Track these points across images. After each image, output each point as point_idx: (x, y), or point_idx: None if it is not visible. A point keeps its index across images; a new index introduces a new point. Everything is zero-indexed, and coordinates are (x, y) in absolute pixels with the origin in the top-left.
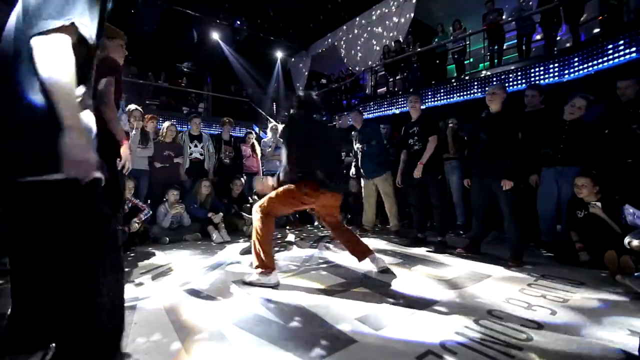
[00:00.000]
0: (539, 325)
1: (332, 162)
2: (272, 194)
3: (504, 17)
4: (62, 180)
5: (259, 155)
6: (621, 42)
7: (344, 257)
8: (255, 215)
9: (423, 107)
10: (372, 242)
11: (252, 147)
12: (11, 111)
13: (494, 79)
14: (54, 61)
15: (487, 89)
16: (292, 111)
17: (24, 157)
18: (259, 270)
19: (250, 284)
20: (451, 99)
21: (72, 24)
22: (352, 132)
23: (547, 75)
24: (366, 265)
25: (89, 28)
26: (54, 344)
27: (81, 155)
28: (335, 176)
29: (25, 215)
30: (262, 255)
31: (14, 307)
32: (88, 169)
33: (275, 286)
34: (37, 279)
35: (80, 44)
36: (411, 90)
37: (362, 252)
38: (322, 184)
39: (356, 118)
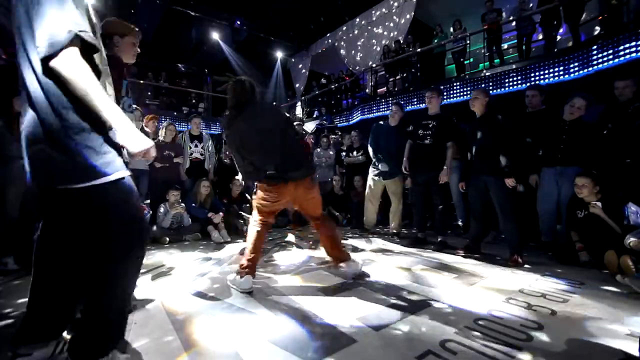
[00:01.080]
0: (539, 325)
1: (279, 152)
2: (254, 199)
3: (503, 16)
4: (97, 185)
5: None
6: (621, 42)
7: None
8: (251, 219)
9: (421, 107)
10: (372, 242)
11: None
12: (46, 127)
13: (494, 79)
14: (78, 77)
15: (491, 87)
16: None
17: (63, 167)
18: (237, 269)
19: (230, 281)
20: (451, 99)
21: (76, 35)
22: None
23: (547, 75)
24: (366, 266)
25: (89, 33)
26: (67, 334)
27: (142, 144)
28: (288, 164)
29: (64, 216)
30: (244, 256)
31: (31, 301)
32: (151, 153)
33: (247, 292)
34: (76, 273)
35: (86, 50)
36: (411, 89)
37: (337, 258)
38: (272, 178)
39: (395, 115)
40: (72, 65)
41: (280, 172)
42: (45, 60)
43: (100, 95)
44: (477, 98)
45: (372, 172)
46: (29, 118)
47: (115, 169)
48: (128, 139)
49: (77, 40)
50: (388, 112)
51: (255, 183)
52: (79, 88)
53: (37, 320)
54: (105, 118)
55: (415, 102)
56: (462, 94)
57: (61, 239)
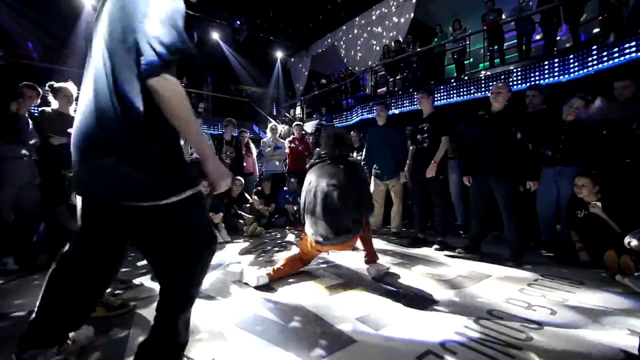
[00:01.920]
0: (539, 325)
1: (338, 215)
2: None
3: (503, 17)
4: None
5: (254, 154)
6: (620, 42)
7: (344, 257)
8: (296, 252)
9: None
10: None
11: (247, 146)
12: (131, 147)
13: (494, 79)
14: (179, 105)
15: (490, 87)
16: (320, 152)
17: (148, 186)
18: (267, 272)
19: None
20: (451, 99)
21: (183, 52)
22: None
23: (547, 75)
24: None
25: (192, 47)
26: (69, 340)
27: (223, 176)
28: (338, 229)
29: (148, 228)
30: (277, 267)
31: (44, 310)
32: (228, 183)
33: (256, 285)
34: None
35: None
36: (411, 90)
37: (367, 256)
38: (317, 242)
39: (381, 113)
40: (173, 85)
41: (327, 239)
42: (146, 75)
43: (194, 121)
44: (501, 92)
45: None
46: (101, 133)
47: (197, 181)
48: (215, 172)
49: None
50: (388, 112)
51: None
52: (177, 110)
53: (47, 328)
54: (196, 147)
55: (415, 103)
56: (461, 94)
57: (109, 251)
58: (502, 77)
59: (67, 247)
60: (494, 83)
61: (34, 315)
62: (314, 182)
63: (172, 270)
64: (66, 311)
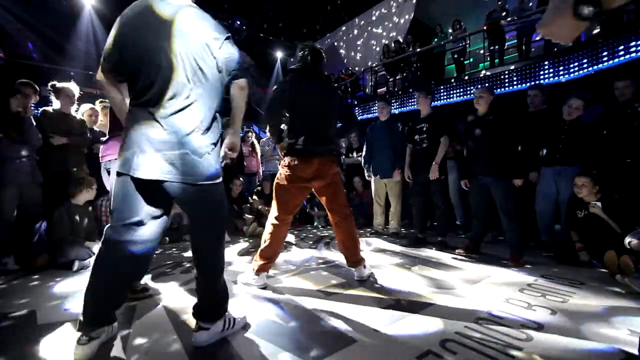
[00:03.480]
0: (539, 325)
1: (317, 126)
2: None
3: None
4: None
5: (259, 154)
6: (621, 42)
7: (343, 257)
8: (268, 220)
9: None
10: (372, 242)
11: (252, 146)
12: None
13: (494, 79)
14: (245, 96)
15: (491, 87)
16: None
17: (206, 169)
18: (253, 271)
19: (246, 283)
20: (450, 99)
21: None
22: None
23: (547, 75)
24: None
25: None
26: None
27: (238, 143)
28: (318, 139)
29: (198, 203)
30: (260, 257)
31: (99, 292)
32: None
33: (262, 287)
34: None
35: None
36: (410, 90)
37: (350, 259)
38: (293, 150)
39: (383, 109)
40: (246, 85)
41: (307, 146)
42: (239, 77)
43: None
44: (482, 97)
45: (367, 173)
46: (176, 129)
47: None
48: (236, 137)
49: None
50: None
51: (281, 160)
52: (243, 103)
53: (107, 307)
54: (236, 122)
55: (415, 103)
56: (461, 94)
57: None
58: (503, 77)
59: (121, 232)
60: (494, 83)
61: (93, 297)
62: (311, 91)
63: (206, 236)
64: (125, 289)
